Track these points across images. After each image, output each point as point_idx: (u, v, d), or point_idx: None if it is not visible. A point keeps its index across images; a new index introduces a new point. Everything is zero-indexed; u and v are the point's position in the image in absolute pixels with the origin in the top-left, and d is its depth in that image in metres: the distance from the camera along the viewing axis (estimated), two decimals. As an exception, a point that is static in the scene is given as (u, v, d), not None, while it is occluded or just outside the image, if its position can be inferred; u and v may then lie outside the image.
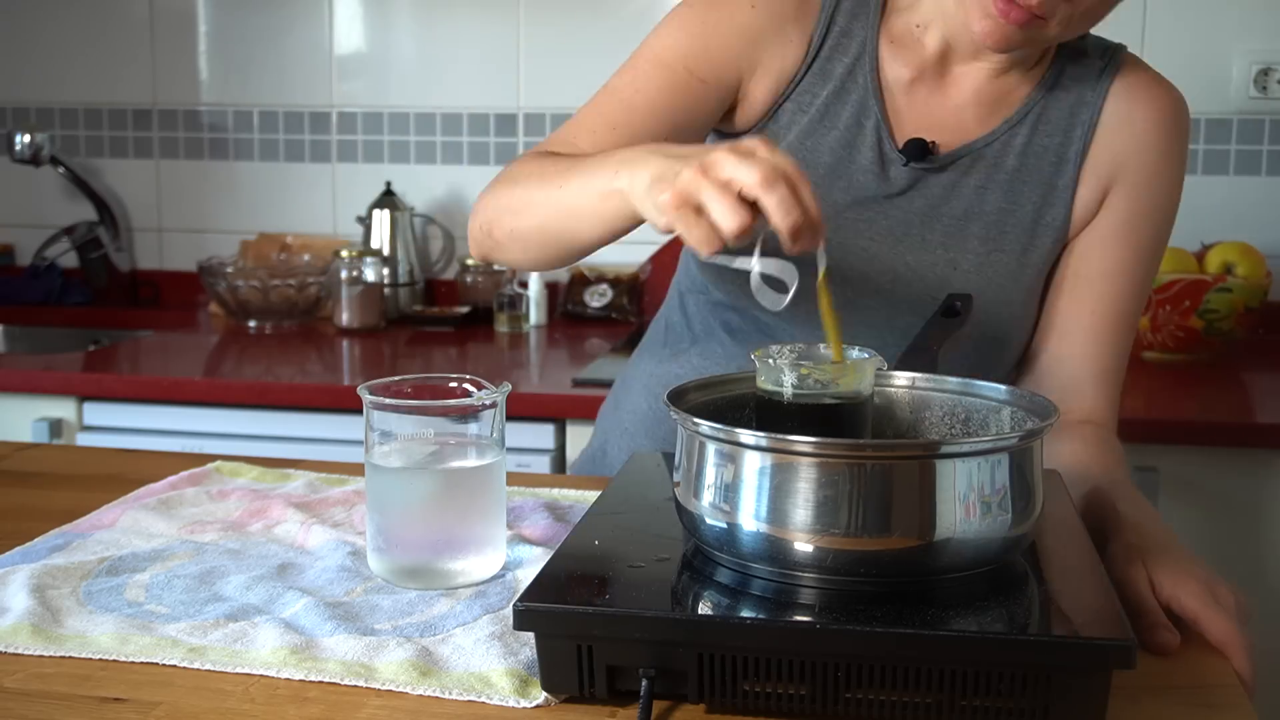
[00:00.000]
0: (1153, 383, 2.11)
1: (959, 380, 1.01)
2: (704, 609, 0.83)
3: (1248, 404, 2.08)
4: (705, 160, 0.91)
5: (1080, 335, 1.28)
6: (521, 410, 2.02)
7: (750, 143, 0.91)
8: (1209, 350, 2.22)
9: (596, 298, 2.64)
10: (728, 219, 0.89)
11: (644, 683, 0.80)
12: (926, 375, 1.03)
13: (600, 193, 1.07)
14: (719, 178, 0.89)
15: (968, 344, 1.23)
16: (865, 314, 1.25)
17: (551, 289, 2.67)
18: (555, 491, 1.28)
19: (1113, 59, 1.30)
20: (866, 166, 1.25)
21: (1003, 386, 0.98)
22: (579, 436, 2.04)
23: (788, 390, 0.94)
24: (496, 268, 2.66)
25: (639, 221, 1.07)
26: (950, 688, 0.77)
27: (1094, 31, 1.31)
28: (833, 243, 1.23)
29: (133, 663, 0.88)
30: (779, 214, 0.88)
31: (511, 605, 0.84)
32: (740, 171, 0.88)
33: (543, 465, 2.04)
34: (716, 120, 1.28)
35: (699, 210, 0.90)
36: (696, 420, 0.86)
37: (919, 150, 1.24)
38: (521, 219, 1.19)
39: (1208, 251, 2.28)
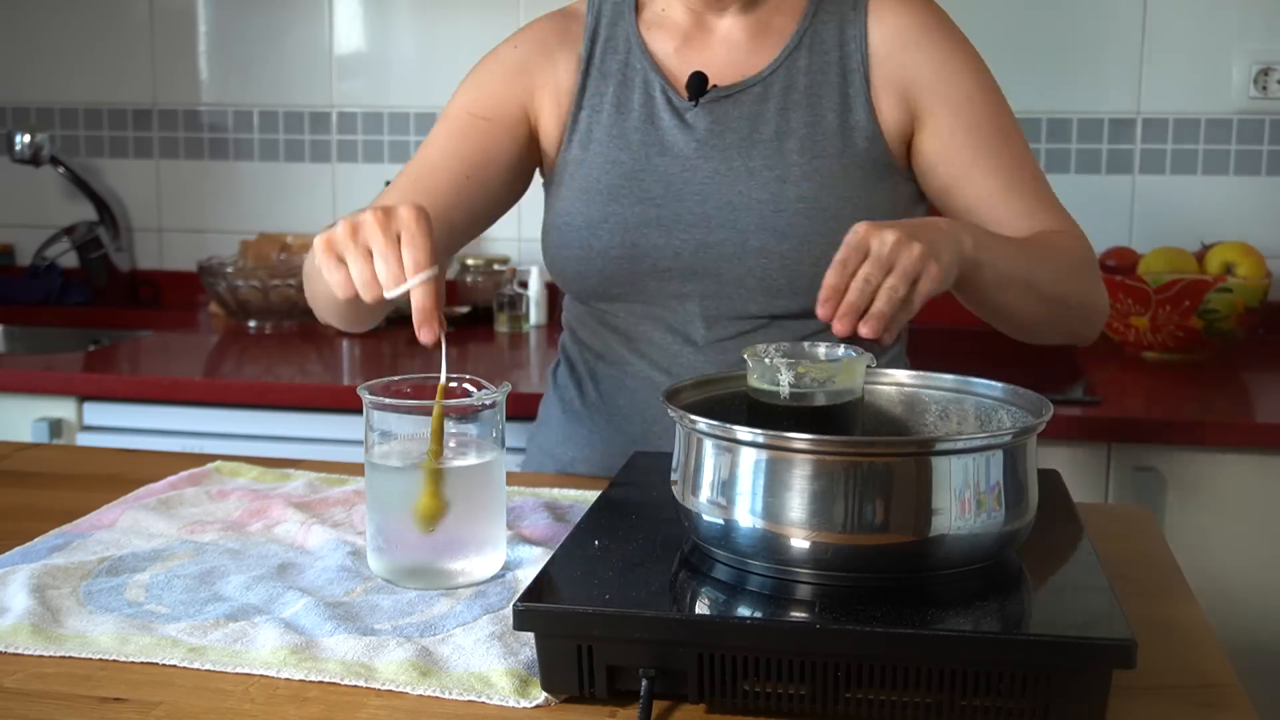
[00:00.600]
0: (1153, 383, 2.11)
1: (955, 378, 1.01)
2: (703, 609, 0.83)
3: (1248, 404, 2.07)
4: (356, 220, 1.03)
5: (980, 190, 1.33)
6: (521, 410, 2.02)
7: (398, 213, 1.02)
8: (1209, 350, 2.22)
9: (596, 298, 2.64)
10: (362, 284, 1.02)
11: (644, 683, 0.80)
12: (922, 374, 1.04)
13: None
14: (365, 243, 1.02)
15: (809, 244, 1.30)
16: (718, 249, 1.33)
17: (552, 289, 2.67)
18: (555, 491, 1.28)
19: None
20: (669, 125, 1.36)
21: (999, 384, 0.98)
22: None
23: (784, 389, 0.94)
24: (496, 267, 2.67)
25: None
26: (950, 687, 0.77)
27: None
28: (665, 198, 1.34)
29: (133, 663, 0.88)
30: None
31: (511, 605, 0.84)
32: (377, 241, 1.01)
33: (543, 465, 2.03)
34: (518, 152, 1.40)
35: (340, 260, 1.03)
36: (694, 418, 0.86)
37: (699, 84, 1.34)
38: (308, 284, 1.37)
39: (1208, 251, 2.28)
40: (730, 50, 1.38)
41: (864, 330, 1.02)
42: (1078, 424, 1.85)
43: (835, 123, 1.33)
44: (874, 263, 1.03)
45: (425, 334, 1.00)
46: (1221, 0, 2.41)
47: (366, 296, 1.02)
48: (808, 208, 1.30)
